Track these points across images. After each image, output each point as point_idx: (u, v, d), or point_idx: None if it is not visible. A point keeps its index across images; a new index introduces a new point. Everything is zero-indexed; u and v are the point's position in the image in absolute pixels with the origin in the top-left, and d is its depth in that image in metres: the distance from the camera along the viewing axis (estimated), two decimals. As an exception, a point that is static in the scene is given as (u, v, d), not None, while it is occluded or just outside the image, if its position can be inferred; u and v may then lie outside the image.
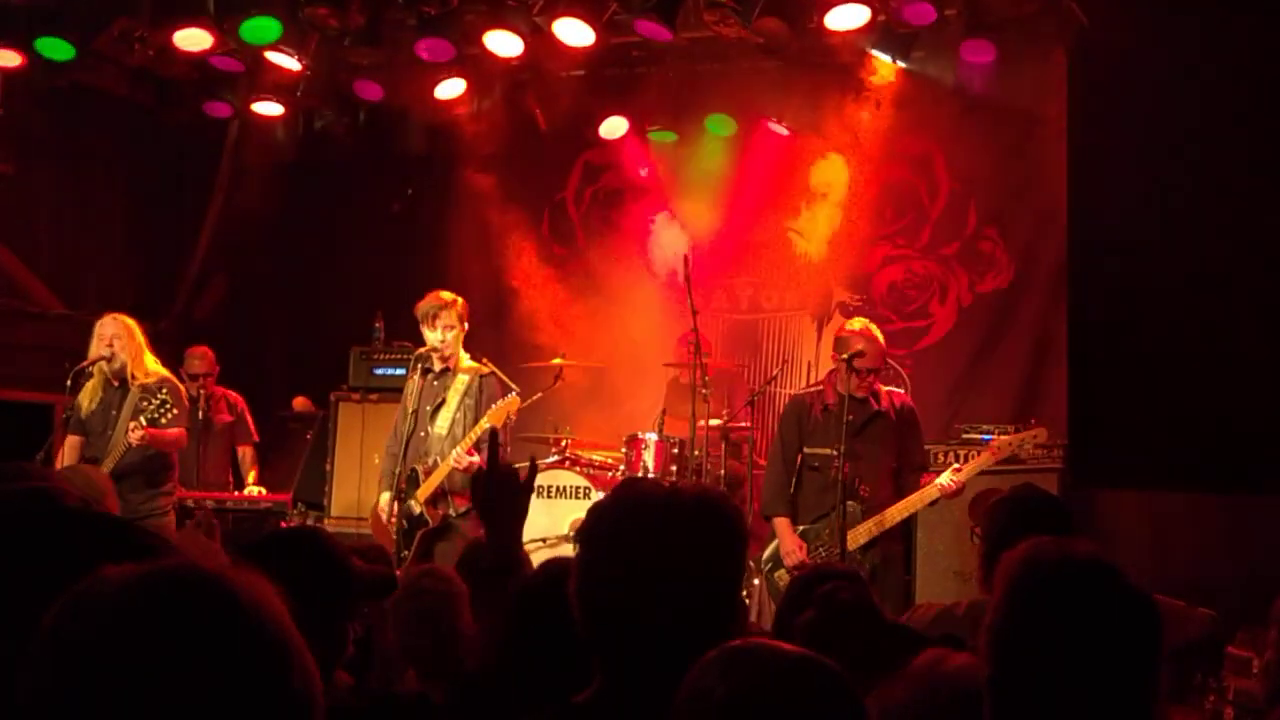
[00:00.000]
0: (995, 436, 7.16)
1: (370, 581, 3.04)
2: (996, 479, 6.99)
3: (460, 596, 4.29)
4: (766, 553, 7.22)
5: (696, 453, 8.24)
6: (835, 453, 6.85)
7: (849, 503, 6.84)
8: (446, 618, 4.27)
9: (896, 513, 6.86)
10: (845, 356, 7.00)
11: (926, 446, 7.62)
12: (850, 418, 6.84)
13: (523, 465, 2.98)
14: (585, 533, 2.31)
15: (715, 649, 1.89)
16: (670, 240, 10.20)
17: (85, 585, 1.38)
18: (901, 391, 7.32)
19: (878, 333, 7.12)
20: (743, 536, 2.30)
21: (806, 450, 7.12)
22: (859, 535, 6.85)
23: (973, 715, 2.32)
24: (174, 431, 7.54)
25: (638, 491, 2.33)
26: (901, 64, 8.69)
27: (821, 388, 7.33)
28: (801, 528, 7.06)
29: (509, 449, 7.60)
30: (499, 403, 7.16)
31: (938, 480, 6.81)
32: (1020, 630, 2.28)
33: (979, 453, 7.08)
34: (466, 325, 7.48)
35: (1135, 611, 2.29)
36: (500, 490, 2.90)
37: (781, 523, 7.11)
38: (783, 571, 6.99)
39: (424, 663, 4.32)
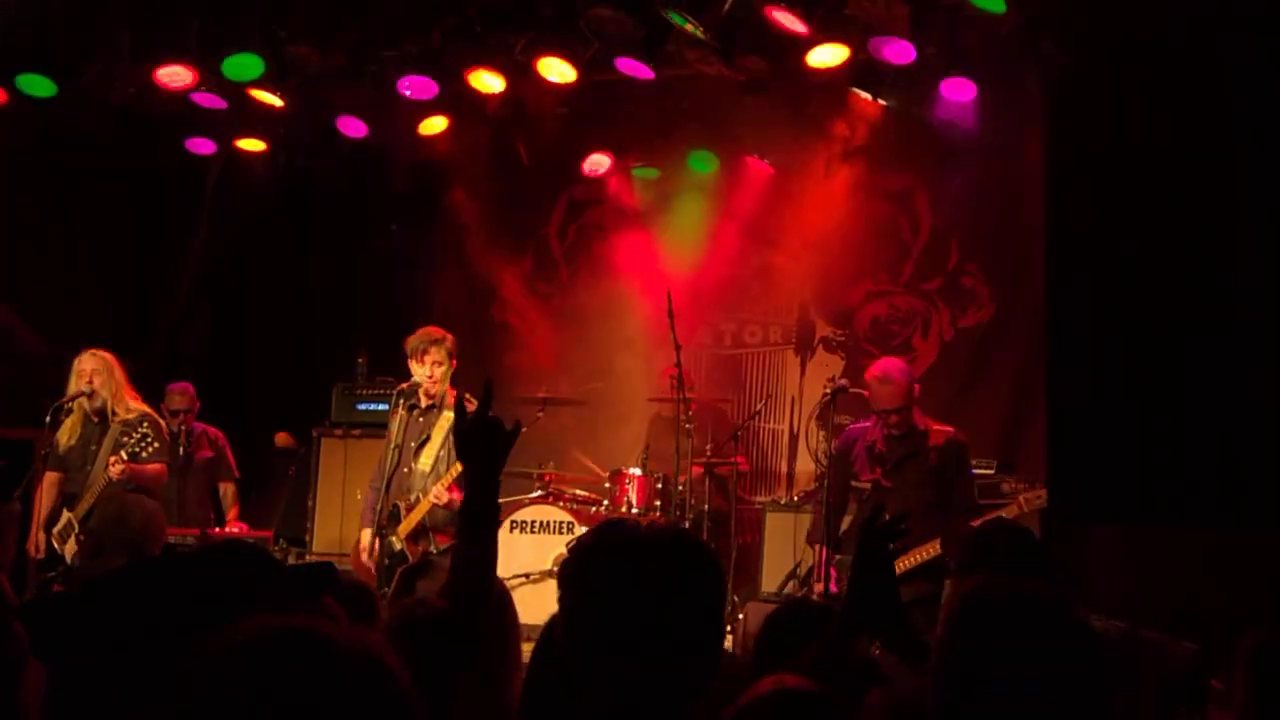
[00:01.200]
0: (1022, 495, 7.13)
1: (307, 575, 3.14)
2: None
3: None
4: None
5: (680, 488, 8.24)
6: (866, 486, 7.10)
7: None
8: None
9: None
10: (828, 392, 7.34)
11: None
12: (883, 450, 7.07)
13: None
14: (568, 574, 2.34)
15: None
16: (653, 275, 10.21)
17: (226, 642, 1.47)
18: (952, 429, 7.26)
19: (895, 372, 7.13)
20: (721, 573, 2.35)
21: (855, 484, 7.26)
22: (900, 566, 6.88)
23: None
24: (155, 466, 7.51)
25: (617, 533, 2.35)
26: (883, 101, 8.74)
27: (869, 424, 7.40)
28: (837, 558, 7.14)
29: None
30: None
31: (936, 544, 6.83)
32: (960, 668, 2.28)
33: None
34: (455, 361, 7.46)
35: (1074, 645, 2.28)
36: (486, 438, 2.99)
37: (816, 551, 7.33)
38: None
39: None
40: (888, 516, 6.73)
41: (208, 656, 1.46)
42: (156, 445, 7.47)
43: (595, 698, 2.24)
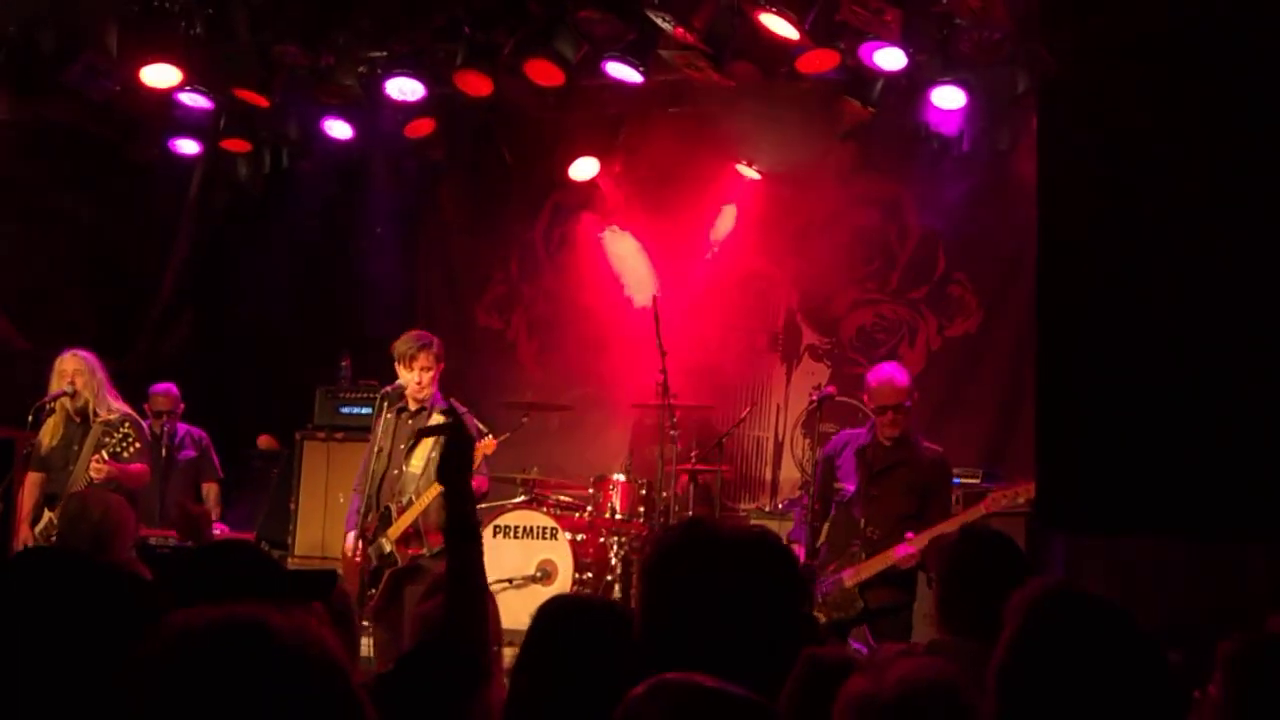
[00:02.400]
0: (991, 494, 7.12)
1: (310, 577, 3.17)
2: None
3: None
4: None
5: (664, 494, 8.22)
6: (848, 490, 7.10)
7: (855, 543, 6.95)
8: None
9: (855, 574, 6.90)
10: (814, 400, 7.43)
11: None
12: (874, 455, 7.06)
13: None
14: (653, 569, 2.44)
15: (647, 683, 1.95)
16: (639, 280, 10.19)
17: (155, 639, 1.49)
18: (940, 449, 7.30)
19: (898, 374, 7.16)
20: (798, 574, 2.50)
21: (837, 485, 7.25)
22: (859, 574, 6.90)
23: None
24: (137, 466, 7.48)
25: (705, 531, 2.46)
26: (872, 108, 8.71)
27: (861, 430, 7.39)
28: (815, 563, 7.13)
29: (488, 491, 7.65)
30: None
31: (894, 551, 6.81)
32: (1032, 670, 2.30)
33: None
34: (442, 364, 7.42)
35: (1146, 655, 2.33)
36: (465, 459, 3.11)
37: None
38: None
39: None
40: (863, 523, 6.82)
41: (148, 646, 1.46)
42: (138, 445, 7.44)
43: None
